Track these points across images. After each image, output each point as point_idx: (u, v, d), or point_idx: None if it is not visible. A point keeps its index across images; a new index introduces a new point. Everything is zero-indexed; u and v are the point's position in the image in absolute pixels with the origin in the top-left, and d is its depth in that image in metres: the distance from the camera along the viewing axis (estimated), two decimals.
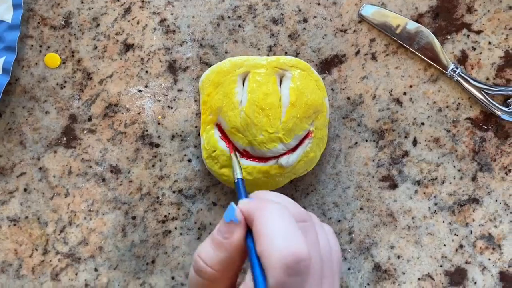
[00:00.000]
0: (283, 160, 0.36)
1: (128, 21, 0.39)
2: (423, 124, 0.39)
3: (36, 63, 0.38)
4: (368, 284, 0.38)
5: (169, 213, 0.38)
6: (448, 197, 0.39)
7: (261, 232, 0.26)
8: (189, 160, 0.38)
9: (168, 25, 0.39)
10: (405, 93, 0.39)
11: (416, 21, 0.39)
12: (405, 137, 0.39)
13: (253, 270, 0.26)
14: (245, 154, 0.37)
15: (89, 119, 0.38)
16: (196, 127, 0.38)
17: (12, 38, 0.36)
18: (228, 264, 0.28)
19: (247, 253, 0.28)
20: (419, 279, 0.38)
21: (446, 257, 0.39)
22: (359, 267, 0.38)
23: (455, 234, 0.39)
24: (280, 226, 0.26)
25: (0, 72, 0.36)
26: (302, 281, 0.25)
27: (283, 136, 0.36)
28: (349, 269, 0.38)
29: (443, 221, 0.39)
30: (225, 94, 0.37)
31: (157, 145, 0.38)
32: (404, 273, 0.38)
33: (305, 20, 0.39)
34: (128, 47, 0.38)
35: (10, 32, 0.36)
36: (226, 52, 0.39)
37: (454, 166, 0.39)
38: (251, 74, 0.37)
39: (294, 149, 0.37)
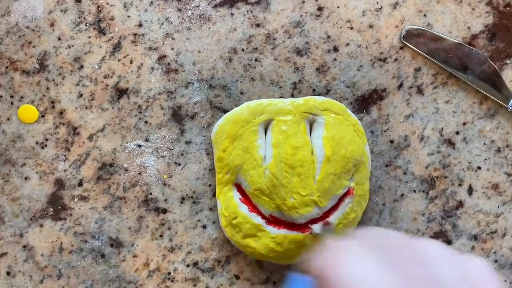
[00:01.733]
0: (316, 227, 0.30)
1: (119, 60, 0.31)
2: (479, 168, 0.33)
3: (8, 118, 0.31)
4: None
5: None
6: (510, 252, 0.33)
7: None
8: (204, 227, 0.32)
9: (168, 63, 0.31)
10: (457, 132, 0.33)
11: (469, 43, 0.32)
12: (459, 184, 0.33)
13: None
14: (273, 220, 0.30)
15: (80, 184, 0.32)
16: (210, 185, 0.32)
17: None
18: None
19: None
20: None
21: None
22: None
23: None
24: (360, 271, 0.20)
25: None
26: None
27: (318, 198, 0.30)
28: None
29: (505, 280, 0.33)
30: (245, 149, 0.30)
31: (164, 211, 0.32)
32: None
33: (335, 49, 0.32)
34: (121, 92, 0.31)
35: None
36: (241, 93, 0.32)
37: None
38: (275, 122, 0.30)
39: (331, 212, 0.31)
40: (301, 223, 0.30)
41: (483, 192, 0.33)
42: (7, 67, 0.31)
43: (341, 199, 0.31)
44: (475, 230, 0.33)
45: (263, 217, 0.31)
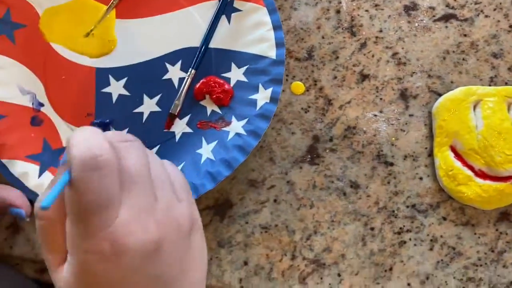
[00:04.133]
0: None
1: (364, 54, 0.44)
2: None
3: (283, 90, 0.44)
4: None
5: (403, 226, 0.42)
6: None
7: (70, 144, 0.29)
8: (421, 178, 0.43)
9: (399, 58, 0.44)
10: None
11: None
12: None
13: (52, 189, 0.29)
14: (481, 173, 0.41)
15: (331, 140, 0.43)
16: (426, 148, 0.43)
17: (278, 72, 0.42)
18: (58, 201, 0.30)
19: None
20: None
21: None
22: None
23: None
24: (84, 136, 0.29)
25: (268, 100, 0.42)
26: (101, 176, 0.28)
27: None
28: None
29: None
30: (460, 119, 0.41)
31: (391, 164, 0.43)
32: None
33: None
34: (364, 77, 0.44)
35: (275, 67, 0.42)
36: (452, 82, 0.43)
37: None
38: (483, 101, 0.41)
39: None
40: (504, 176, 0.40)
41: None
42: (286, 55, 0.44)
43: None
44: None
45: (473, 170, 0.41)
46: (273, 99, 0.42)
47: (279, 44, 0.42)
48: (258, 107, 0.42)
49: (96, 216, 0.28)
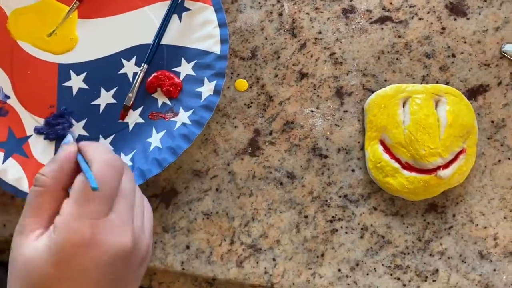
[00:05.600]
0: (442, 172, 0.42)
1: (304, 54, 0.47)
2: None
3: (228, 87, 0.47)
4: None
5: (336, 214, 0.45)
6: None
7: (90, 149, 0.36)
8: (353, 170, 0.45)
9: (336, 58, 0.46)
10: None
11: None
12: None
13: (84, 171, 0.35)
14: (407, 166, 0.43)
15: (270, 134, 0.46)
16: (358, 142, 0.45)
17: (221, 66, 0.45)
18: (59, 173, 0.36)
19: (76, 170, 0.36)
20: None
21: None
22: (503, 269, 0.43)
23: None
24: (101, 148, 0.37)
25: (212, 93, 0.45)
26: (117, 174, 0.35)
27: (442, 151, 0.42)
28: (494, 270, 0.43)
29: None
30: (389, 115, 0.44)
31: (326, 157, 0.46)
32: None
33: (453, 55, 0.46)
34: (303, 75, 0.47)
35: (219, 62, 0.46)
36: (385, 80, 0.46)
37: None
38: (411, 98, 0.44)
39: (450, 163, 0.43)
40: (428, 169, 0.43)
41: None
42: (231, 54, 0.47)
43: (457, 155, 0.43)
44: None
45: (400, 163, 0.43)
46: (216, 91, 0.46)
47: (223, 41, 0.46)
48: (202, 99, 0.46)
49: (95, 204, 0.33)
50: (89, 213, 0.33)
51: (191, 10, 0.47)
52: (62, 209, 0.34)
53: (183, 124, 0.46)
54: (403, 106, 0.44)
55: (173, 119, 0.46)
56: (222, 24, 0.47)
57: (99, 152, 0.36)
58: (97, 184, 0.33)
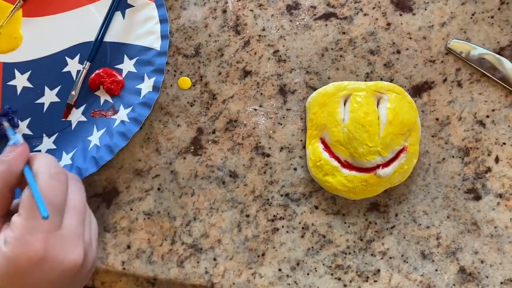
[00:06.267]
0: (381, 171, 0.42)
1: (247, 52, 0.46)
2: (504, 143, 0.44)
3: (171, 85, 0.46)
4: (454, 285, 0.42)
5: (277, 213, 0.44)
6: None
7: (36, 161, 0.36)
8: (295, 169, 0.45)
9: (280, 55, 0.46)
10: (488, 116, 0.44)
11: (498, 53, 0.44)
12: (488, 155, 0.44)
13: (28, 181, 0.35)
14: (346, 164, 0.43)
15: (213, 132, 0.46)
16: (301, 140, 0.45)
17: (160, 62, 0.45)
18: (7, 174, 0.36)
19: (21, 182, 0.36)
20: (501, 283, 0.42)
21: None
22: (445, 269, 0.43)
23: None
24: (47, 159, 0.37)
25: (151, 89, 0.45)
26: (64, 187, 0.36)
27: (381, 149, 0.42)
28: (436, 270, 0.43)
29: None
30: (329, 113, 0.43)
31: (268, 155, 0.45)
32: (487, 277, 0.42)
33: (398, 52, 0.45)
34: (246, 73, 0.46)
35: (159, 58, 0.45)
36: (328, 78, 0.45)
37: None
38: (352, 96, 0.43)
39: (390, 162, 0.42)
40: (367, 167, 0.42)
41: (507, 162, 0.43)
42: (174, 52, 0.46)
43: (398, 154, 0.42)
44: (501, 190, 0.43)
45: (339, 161, 0.43)
46: (155, 88, 0.45)
47: (163, 37, 0.46)
48: (141, 96, 0.45)
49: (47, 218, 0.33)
50: (40, 227, 0.33)
51: (134, 6, 0.47)
52: (13, 224, 0.34)
53: (122, 121, 0.45)
54: (344, 104, 0.44)
55: (113, 116, 0.46)
56: (162, 20, 0.46)
57: (45, 164, 0.36)
58: (47, 212, 0.32)
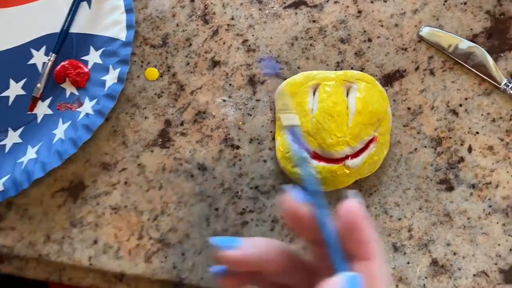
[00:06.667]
0: (350, 161, 0.41)
1: (216, 42, 0.45)
2: (477, 133, 0.43)
3: (138, 76, 0.45)
4: (426, 277, 0.42)
5: (246, 206, 0.43)
6: (502, 200, 0.42)
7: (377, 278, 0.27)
8: (265, 161, 0.44)
9: (249, 45, 0.45)
10: (461, 105, 0.43)
11: (471, 40, 0.43)
12: (461, 144, 0.43)
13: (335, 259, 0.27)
14: (315, 155, 0.42)
15: (181, 124, 0.45)
16: (271, 132, 0.44)
17: (125, 53, 0.44)
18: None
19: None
20: (474, 275, 0.41)
21: (500, 255, 0.41)
22: (417, 262, 0.42)
23: (509, 235, 0.42)
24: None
25: (116, 81, 0.44)
26: None
27: (350, 140, 0.41)
28: (408, 263, 0.42)
29: (497, 222, 0.42)
30: (298, 103, 0.42)
31: (238, 147, 0.44)
32: (460, 269, 0.42)
33: (369, 40, 0.44)
34: (215, 63, 0.45)
35: (123, 48, 0.44)
36: (298, 68, 0.44)
37: (508, 172, 0.42)
38: (321, 86, 0.42)
39: (359, 152, 0.41)
40: (336, 158, 0.41)
41: (480, 152, 0.42)
42: (141, 42, 0.45)
43: (367, 144, 0.41)
44: (473, 181, 0.42)
45: (309, 153, 0.42)
46: (120, 79, 0.44)
47: (129, 27, 0.45)
48: (106, 88, 0.44)
49: None
50: None
51: None
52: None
53: (86, 114, 0.44)
54: (314, 94, 0.43)
55: (78, 109, 0.45)
56: (128, 10, 0.45)
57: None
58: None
